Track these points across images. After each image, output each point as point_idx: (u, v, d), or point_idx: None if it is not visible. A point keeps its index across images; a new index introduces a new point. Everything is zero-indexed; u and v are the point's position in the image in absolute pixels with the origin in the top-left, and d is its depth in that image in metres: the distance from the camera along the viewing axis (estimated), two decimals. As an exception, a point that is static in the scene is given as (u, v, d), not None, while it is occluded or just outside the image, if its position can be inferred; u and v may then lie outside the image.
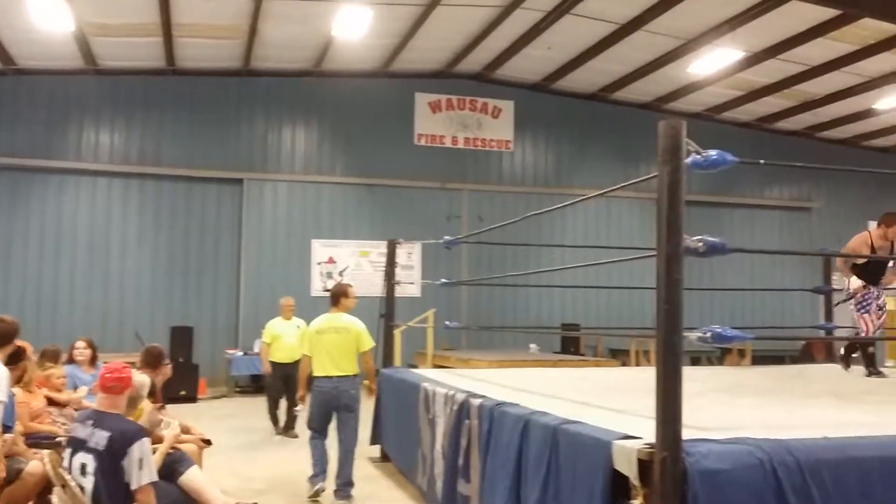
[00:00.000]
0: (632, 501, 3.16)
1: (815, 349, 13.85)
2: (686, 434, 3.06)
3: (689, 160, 3.30)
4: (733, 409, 4.96)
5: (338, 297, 6.54)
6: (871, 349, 7.28)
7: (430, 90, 16.60)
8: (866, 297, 7.06)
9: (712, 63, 14.16)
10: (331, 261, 15.78)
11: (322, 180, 15.93)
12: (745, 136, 17.62)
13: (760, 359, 14.69)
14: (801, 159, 15.25)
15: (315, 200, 15.92)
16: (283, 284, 14.20)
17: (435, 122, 16.62)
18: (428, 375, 7.08)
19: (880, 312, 7.13)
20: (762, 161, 3.91)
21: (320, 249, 15.76)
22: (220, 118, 15.41)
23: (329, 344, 6.34)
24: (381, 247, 11.01)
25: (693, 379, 6.27)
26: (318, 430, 6.41)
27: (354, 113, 16.15)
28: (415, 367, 12.18)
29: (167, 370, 6.13)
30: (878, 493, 3.15)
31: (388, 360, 8.37)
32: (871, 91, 15.10)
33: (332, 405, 6.31)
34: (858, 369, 7.41)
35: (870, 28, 12.29)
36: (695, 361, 14.26)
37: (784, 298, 17.45)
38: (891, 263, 7.32)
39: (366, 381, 6.74)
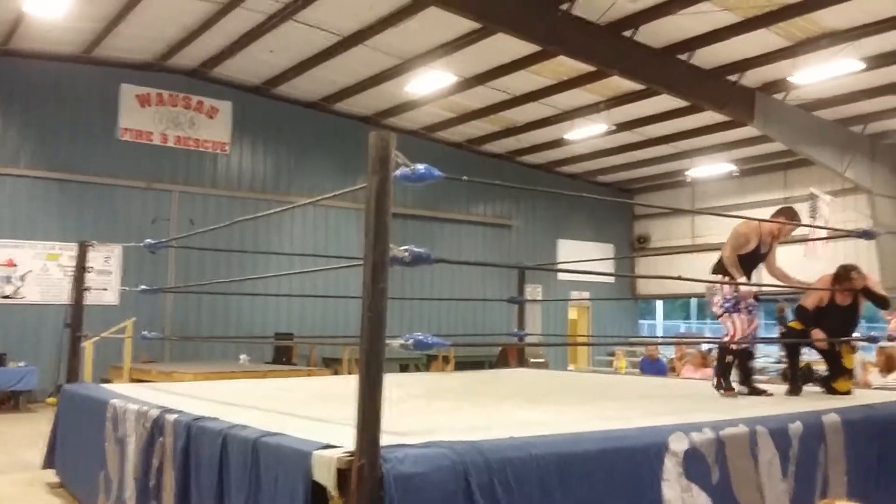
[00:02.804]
0: (330, 512, 3.10)
1: (510, 354, 15.08)
2: (385, 440, 3.08)
3: (398, 172, 3.38)
4: (432, 413, 5.15)
5: None
6: (729, 358, 6.08)
7: (139, 82, 15.36)
8: (740, 295, 6.05)
9: (428, 84, 14.83)
10: (10, 263, 13.86)
11: (1, 172, 13.99)
12: (456, 156, 18.74)
13: (464, 364, 15.66)
14: (504, 180, 16.54)
15: (-8, 194, 13.95)
16: (-52, 289, 12.22)
17: (143, 117, 15.40)
18: (120, 391, 6.48)
19: (751, 316, 6.08)
20: (465, 178, 4.10)
21: (-3, 250, 13.82)
22: None
23: None
24: (74, 249, 9.90)
25: (397, 385, 6.44)
26: None
27: (46, 99, 14.43)
28: (109, 381, 11.15)
29: None
30: (554, 488, 3.41)
31: (73, 374, 7.49)
32: (564, 122, 16.85)
33: None
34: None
35: (565, 65, 13.73)
36: (404, 368, 14.75)
37: (486, 308, 18.78)
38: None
39: None
